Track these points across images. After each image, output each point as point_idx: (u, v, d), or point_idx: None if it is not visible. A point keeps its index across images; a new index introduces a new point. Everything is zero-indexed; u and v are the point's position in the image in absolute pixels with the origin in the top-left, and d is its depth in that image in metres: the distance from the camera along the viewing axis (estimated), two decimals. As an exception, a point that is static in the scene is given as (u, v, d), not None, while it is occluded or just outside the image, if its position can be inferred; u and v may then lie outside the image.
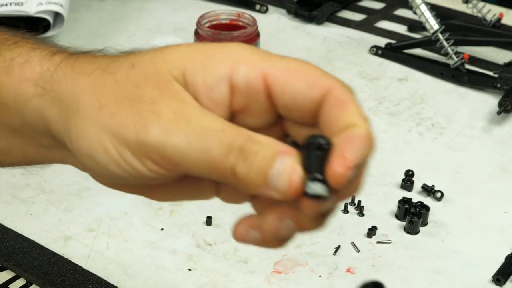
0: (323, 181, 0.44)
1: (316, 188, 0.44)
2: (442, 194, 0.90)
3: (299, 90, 0.47)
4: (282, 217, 0.48)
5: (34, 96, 0.51)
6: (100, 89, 0.49)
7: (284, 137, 0.50)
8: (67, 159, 0.54)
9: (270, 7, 1.34)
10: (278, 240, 0.48)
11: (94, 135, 0.48)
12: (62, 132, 0.50)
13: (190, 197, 0.55)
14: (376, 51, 1.19)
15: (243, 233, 0.50)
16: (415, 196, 0.91)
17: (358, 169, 0.45)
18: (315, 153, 0.45)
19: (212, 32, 1.07)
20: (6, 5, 1.13)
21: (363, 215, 0.87)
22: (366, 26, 1.29)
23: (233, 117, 0.49)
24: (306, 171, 0.45)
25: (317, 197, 0.44)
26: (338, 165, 0.44)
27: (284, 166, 0.45)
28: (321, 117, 0.47)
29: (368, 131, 0.46)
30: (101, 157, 0.48)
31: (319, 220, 0.48)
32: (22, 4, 1.13)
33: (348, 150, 0.44)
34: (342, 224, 0.86)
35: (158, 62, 0.49)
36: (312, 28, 1.28)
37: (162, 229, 0.85)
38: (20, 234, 0.83)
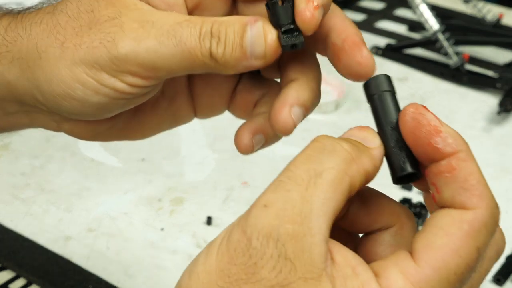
0: (296, 30, 0.45)
1: (291, 38, 0.45)
2: (442, 194, 0.90)
3: None
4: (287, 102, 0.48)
5: None
6: (55, 28, 0.49)
7: None
8: (36, 121, 0.54)
9: (270, 7, 1.34)
10: (285, 133, 0.49)
11: (65, 72, 0.48)
12: (29, 87, 0.50)
13: (168, 123, 0.56)
14: (376, 51, 1.19)
15: (250, 141, 0.51)
16: (415, 196, 0.91)
17: (325, 10, 0.46)
18: (279, 7, 0.46)
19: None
20: (6, 5, 1.13)
21: (363, 215, 0.87)
22: (366, 26, 1.29)
23: (190, 14, 0.50)
24: (277, 28, 0.46)
25: (294, 46, 0.45)
26: (305, 9, 0.45)
27: (256, 31, 0.46)
28: None
29: None
30: (78, 91, 0.48)
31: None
32: (22, 4, 1.13)
33: None
34: (342, 224, 0.86)
35: None
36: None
37: (162, 229, 0.85)
38: (20, 234, 0.83)
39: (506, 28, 1.25)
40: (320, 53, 0.50)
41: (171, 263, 0.81)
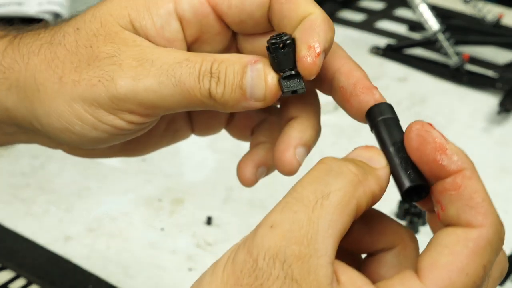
0: (297, 75, 0.45)
1: (292, 83, 0.45)
2: (442, 194, 0.90)
3: None
4: (291, 142, 0.48)
5: None
6: (53, 62, 0.48)
7: None
8: (35, 140, 0.54)
9: (270, 7, 1.33)
10: (290, 173, 0.49)
11: (63, 107, 0.48)
12: (27, 115, 0.50)
13: (168, 141, 0.56)
14: (376, 51, 1.19)
15: (253, 175, 0.52)
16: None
17: (326, 54, 0.46)
18: (281, 52, 0.45)
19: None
20: (6, 5, 1.13)
21: (363, 215, 0.87)
22: (366, 26, 1.29)
23: (189, 49, 0.49)
24: (278, 71, 0.46)
25: (295, 92, 0.45)
26: (306, 56, 0.45)
27: (256, 73, 0.46)
28: (274, 18, 0.47)
29: (323, 15, 0.46)
30: (77, 126, 0.48)
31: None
32: (22, 4, 1.13)
33: (311, 38, 0.45)
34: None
35: (102, 16, 0.48)
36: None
37: (162, 229, 0.85)
38: (20, 234, 0.83)
39: (506, 28, 1.25)
40: (324, 93, 0.50)
41: (171, 263, 0.81)
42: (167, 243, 0.83)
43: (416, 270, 0.40)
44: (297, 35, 0.45)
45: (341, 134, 0.95)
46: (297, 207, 0.39)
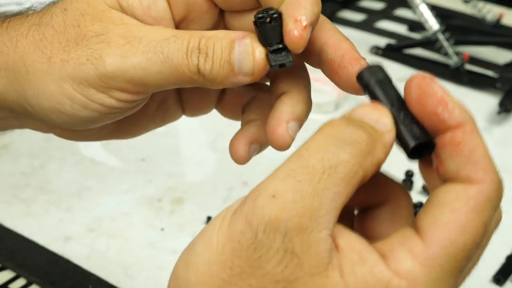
0: (285, 49, 0.46)
1: (280, 57, 0.46)
2: (442, 194, 0.90)
3: None
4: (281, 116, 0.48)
5: None
6: (41, 42, 0.48)
7: None
8: (26, 124, 0.54)
9: (270, 7, 1.33)
10: (284, 148, 0.49)
11: (52, 87, 0.48)
12: (17, 98, 0.50)
13: (159, 122, 0.56)
14: (376, 51, 1.19)
15: (245, 152, 0.51)
16: (415, 196, 0.91)
17: (313, 27, 0.46)
18: (268, 26, 0.46)
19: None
20: (6, 5, 1.13)
21: (363, 215, 0.87)
22: (366, 26, 1.29)
23: (177, 28, 0.49)
24: (265, 46, 0.46)
25: (282, 66, 0.46)
26: (293, 29, 0.45)
27: (244, 48, 0.46)
28: None
29: None
30: (67, 106, 0.48)
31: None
32: (22, 4, 1.13)
33: (297, 12, 0.45)
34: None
35: None
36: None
37: (162, 229, 0.85)
38: (20, 234, 0.83)
39: (506, 28, 1.25)
40: (313, 66, 0.49)
41: (171, 263, 0.80)
42: (167, 243, 0.83)
43: (415, 228, 0.39)
44: (283, 9, 0.46)
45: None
46: (302, 176, 0.37)
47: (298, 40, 0.45)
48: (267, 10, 0.46)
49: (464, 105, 0.40)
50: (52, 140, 0.99)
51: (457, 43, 1.14)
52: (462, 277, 0.40)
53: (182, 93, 0.55)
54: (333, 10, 1.31)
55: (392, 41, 1.22)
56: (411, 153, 0.42)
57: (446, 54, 1.12)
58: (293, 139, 0.48)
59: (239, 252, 0.37)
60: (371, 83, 0.43)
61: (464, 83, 1.12)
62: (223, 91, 0.55)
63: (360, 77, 0.44)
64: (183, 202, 0.89)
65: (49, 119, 0.49)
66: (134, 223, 0.86)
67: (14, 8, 1.02)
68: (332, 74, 0.48)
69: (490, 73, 1.13)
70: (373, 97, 0.43)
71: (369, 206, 0.44)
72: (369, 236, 0.42)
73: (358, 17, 1.32)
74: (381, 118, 0.41)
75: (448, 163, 0.40)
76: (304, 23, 0.45)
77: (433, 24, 1.13)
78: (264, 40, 0.46)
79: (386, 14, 1.33)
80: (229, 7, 0.50)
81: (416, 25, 1.26)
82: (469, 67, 1.14)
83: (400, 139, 0.42)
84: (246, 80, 0.47)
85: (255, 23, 0.46)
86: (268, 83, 0.52)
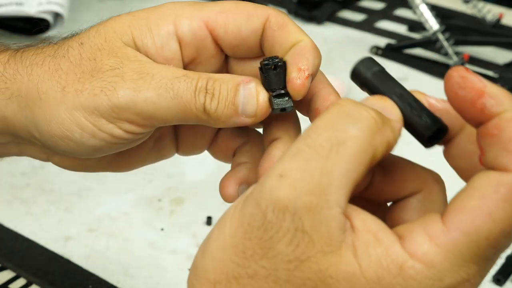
0: (286, 95, 0.49)
1: (282, 102, 0.49)
2: (442, 194, 0.90)
3: (239, 25, 0.50)
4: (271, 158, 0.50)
5: None
6: (56, 72, 0.50)
7: None
8: (26, 152, 0.56)
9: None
10: None
11: (64, 115, 0.49)
12: (26, 124, 0.51)
13: (153, 158, 0.58)
14: (376, 51, 1.19)
15: (235, 191, 0.54)
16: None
17: (313, 77, 0.49)
18: (272, 72, 0.49)
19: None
20: (6, 5, 1.13)
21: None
22: (366, 26, 1.29)
23: (185, 69, 0.52)
24: (268, 90, 0.49)
25: (284, 110, 0.49)
26: (296, 77, 0.48)
27: (249, 91, 0.49)
28: (266, 44, 0.51)
29: (312, 43, 0.50)
30: (76, 134, 0.50)
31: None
32: (22, 4, 1.13)
33: (301, 62, 0.48)
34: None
35: (106, 32, 0.51)
36: (312, 28, 1.28)
37: (162, 229, 0.85)
38: (20, 234, 0.83)
39: (506, 28, 1.25)
40: (302, 113, 0.52)
41: (171, 263, 0.81)
42: (167, 243, 0.83)
43: (443, 213, 0.39)
44: (288, 58, 0.49)
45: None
46: (309, 155, 0.37)
47: (300, 88, 0.48)
48: (272, 58, 0.49)
49: (504, 91, 0.40)
50: (52, 140, 0.99)
51: (457, 43, 1.14)
52: (489, 265, 0.39)
53: (178, 133, 0.58)
54: (333, 10, 1.31)
55: (392, 41, 1.22)
56: (428, 142, 0.42)
57: (446, 54, 1.12)
58: None
59: (250, 235, 0.37)
60: (369, 78, 0.44)
61: (464, 83, 1.12)
62: (216, 134, 0.57)
63: (355, 74, 0.45)
64: (183, 202, 0.89)
65: (56, 145, 0.51)
66: (134, 223, 0.86)
67: (14, 8, 1.01)
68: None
69: (490, 73, 1.13)
70: (374, 91, 0.44)
71: (401, 197, 0.44)
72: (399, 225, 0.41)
73: (358, 17, 1.32)
74: (388, 107, 0.42)
75: (487, 151, 0.39)
76: (307, 73, 0.48)
77: (433, 24, 1.13)
78: (267, 85, 0.49)
79: (386, 14, 1.33)
80: (235, 54, 0.52)
81: (416, 25, 1.26)
82: (469, 67, 1.14)
83: (413, 130, 0.42)
84: (248, 121, 0.49)
85: (260, 69, 0.49)
86: (260, 130, 0.55)
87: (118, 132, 0.50)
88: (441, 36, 1.12)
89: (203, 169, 0.95)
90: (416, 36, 1.26)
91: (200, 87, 0.49)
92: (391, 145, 0.40)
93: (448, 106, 0.43)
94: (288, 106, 0.49)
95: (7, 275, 0.79)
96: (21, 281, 0.78)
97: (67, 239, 0.83)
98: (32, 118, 0.51)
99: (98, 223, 0.85)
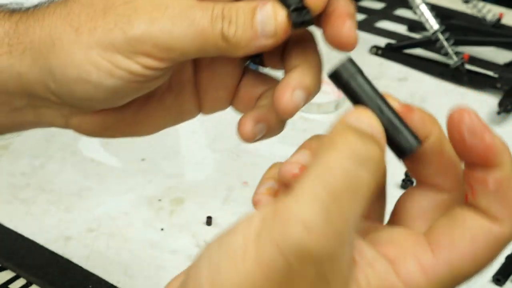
0: (304, 8, 0.48)
1: (301, 16, 0.48)
2: (442, 194, 0.90)
3: None
4: (288, 86, 0.49)
5: (1, 55, 0.51)
6: (68, 16, 0.50)
7: None
8: (43, 117, 0.54)
9: (270, 7, 1.33)
10: (287, 115, 0.50)
11: (79, 56, 0.49)
12: (41, 75, 0.50)
13: (174, 118, 0.56)
14: (376, 51, 1.19)
15: (252, 130, 0.52)
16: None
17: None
18: None
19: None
20: (6, 5, 1.13)
21: (363, 215, 0.87)
22: (366, 26, 1.29)
23: None
24: (286, 7, 0.48)
25: (304, 23, 0.48)
26: None
27: (266, 11, 0.48)
28: None
29: None
30: (93, 74, 0.49)
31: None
32: (22, 4, 1.13)
33: None
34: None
35: None
36: (312, 28, 1.28)
37: (162, 229, 0.85)
38: (20, 234, 0.83)
39: (506, 28, 1.25)
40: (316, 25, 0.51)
41: (171, 263, 0.81)
42: (167, 243, 0.83)
43: (430, 238, 0.41)
44: None
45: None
46: (329, 202, 0.37)
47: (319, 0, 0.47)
48: None
49: (507, 146, 0.42)
50: (52, 140, 0.99)
51: (457, 43, 1.14)
52: None
53: (199, 85, 0.56)
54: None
55: (392, 41, 1.22)
56: (403, 157, 0.43)
57: (446, 54, 1.12)
58: (297, 108, 0.50)
59: (270, 277, 0.37)
60: (350, 84, 0.44)
61: (464, 83, 1.12)
62: (239, 84, 0.55)
63: (335, 76, 0.44)
64: (183, 202, 0.89)
65: (72, 92, 0.50)
66: (134, 223, 0.86)
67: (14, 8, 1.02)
68: (321, 27, 0.50)
69: (490, 73, 1.13)
70: (354, 99, 0.44)
71: (432, 183, 0.45)
72: (402, 214, 0.44)
73: (358, 17, 1.32)
74: (374, 125, 0.41)
75: (480, 197, 0.41)
76: None
77: (433, 24, 1.13)
78: (285, 2, 0.48)
79: (386, 14, 1.33)
80: None
81: (416, 25, 1.26)
82: (469, 67, 1.14)
83: (391, 143, 0.43)
84: (269, 42, 0.48)
85: None
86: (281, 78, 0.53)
87: (135, 67, 0.49)
88: (441, 36, 1.12)
89: (203, 169, 0.95)
90: (416, 36, 1.26)
91: (216, 14, 0.48)
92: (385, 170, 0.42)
93: (416, 115, 0.45)
94: (309, 18, 0.48)
95: (7, 275, 0.79)
96: (21, 281, 0.78)
97: (67, 239, 0.83)
98: (47, 67, 0.50)
99: (98, 223, 0.85)
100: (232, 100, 0.56)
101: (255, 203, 0.46)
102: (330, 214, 0.37)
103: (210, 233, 0.85)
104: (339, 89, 0.44)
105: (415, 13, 1.15)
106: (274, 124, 0.52)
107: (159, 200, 0.89)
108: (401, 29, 1.29)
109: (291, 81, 0.50)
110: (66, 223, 0.85)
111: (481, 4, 1.24)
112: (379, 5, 1.36)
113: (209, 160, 0.97)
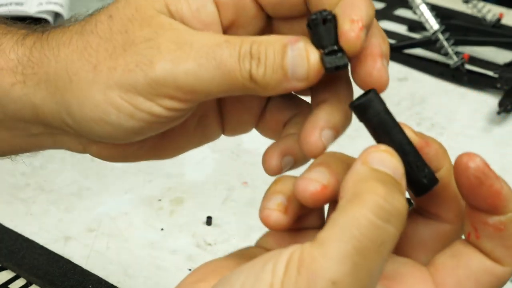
0: (340, 51, 0.44)
1: (335, 59, 0.44)
2: (442, 194, 0.90)
3: None
4: (316, 125, 0.47)
5: (15, 84, 0.49)
6: (86, 50, 0.47)
7: None
8: (60, 143, 0.52)
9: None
10: (314, 156, 0.47)
11: (98, 96, 0.46)
12: (57, 110, 0.48)
13: (197, 141, 0.54)
14: (376, 51, 1.19)
15: (279, 164, 0.49)
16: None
17: (367, 30, 0.45)
18: (322, 27, 0.44)
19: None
20: (6, 5, 1.13)
21: (363, 215, 0.87)
22: (366, 26, 1.29)
23: (225, 33, 0.48)
24: (319, 48, 0.44)
25: (338, 68, 0.44)
26: (349, 30, 0.43)
27: (298, 51, 0.44)
28: (311, 1, 0.46)
29: None
30: (113, 116, 0.46)
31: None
32: (22, 4, 1.13)
33: (353, 13, 0.44)
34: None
35: (137, 1, 0.46)
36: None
37: (162, 229, 0.85)
38: (20, 234, 0.83)
39: (506, 28, 1.25)
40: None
41: (171, 263, 0.81)
42: (167, 243, 0.83)
43: (432, 270, 0.42)
44: (338, 11, 0.44)
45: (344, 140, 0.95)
46: (357, 258, 0.37)
47: (356, 41, 0.44)
48: (320, 12, 0.44)
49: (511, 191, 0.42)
50: (52, 140, 0.99)
51: (457, 43, 1.14)
52: None
53: (223, 109, 0.54)
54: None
55: (392, 41, 1.22)
56: (420, 195, 0.43)
57: (446, 54, 1.12)
58: (325, 147, 0.47)
59: None
60: (373, 119, 0.43)
61: (464, 83, 1.12)
62: (264, 108, 0.53)
63: (358, 109, 0.43)
64: (183, 202, 0.89)
65: (91, 131, 0.48)
66: (134, 223, 0.86)
67: (14, 8, 1.01)
68: (351, 67, 0.47)
69: (490, 73, 1.13)
70: (376, 134, 0.43)
71: (434, 215, 0.46)
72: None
73: (358, 17, 1.32)
74: (397, 166, 0.41)
75: (484, 240, 0.42)
76: (361, 24, 0.44)
77: (433, 24, 1.12)
78: (317, 42, 0.45)
79: (386, 14, 1.33)
80: (277, 13, 0.48)
81: (416, 25, 1.26)
82: (469, 67, 1.14)
83: (410, 181, 0.42)
84: (300, 85, 0.45)
85: (308, 25, 0.45)
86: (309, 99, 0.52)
87: (158, 110, 0.46)
88: (441, 36, 1.12)
89: (203, 169, 0.95)
90: (416, 36, 1.26)
91: (244, 53, 0.44)
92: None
93: (432, 149, 0.45)
94: (343, 63, 0.44)
95: (7, 275, 0.79)
96: (21, 281, 0.78)
97: (67, 239, 0.83)
98: (63, 103, 0.47)
99: (98, 223, 0.85)
100: (257, 123, 0.54)
101: (265, 218, 0.45)
102: (358, 272, 0.37)
103: (210, 233, 0.85)
104: (361, 121, 0.44)
105: (415, 13, 1.15)
106: (302, 158, 0.50)
107: (159, 200, 0.89)
108: (401, 29, 1.29)
109: (319, 120, 0.47)
110: (66, 223, 0.85)
111: (481, 4, 1.24)
112: (379, 5, 1.36)
113: (209, 160, 0.97)
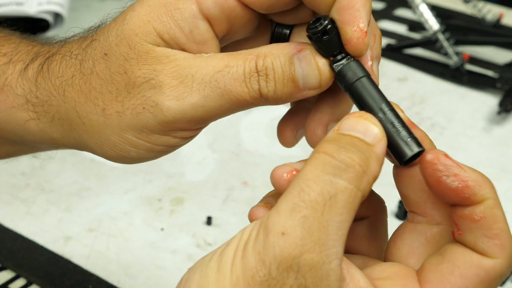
0: (348, 56, 0.44)
1: (343, 64, 0.44)
2: (442, 194, 0.90)
3: None
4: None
5: (29, 121, 0.50)
6: (90, 93, 0.47)
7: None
8: (75, 147, 0.53)
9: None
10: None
11: (114, 138, 0.48)
12: (77, 144, 0.50)
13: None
14: (376, 51, 1.19)
15: (292, 136, 0.50)
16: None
17: (370, 27, 0.45)
18: (324, 39, 0.44)
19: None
20: (6, 5, 1.13)
21: (363, 215, 0.87)
22: (366, 26, 1.29)
23: (221, 41, 0.48)
24: (325, 56, 0.45)
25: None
26: (353, 38, 0.43)
27: (305, 61, 0.45)
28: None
29: None
30: (132, 153, 0.48)
31: None
32: (22, 4, 1.13)
33: (354, 18, 0.43)
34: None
35: (128, 38, 0.46)
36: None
37: (162, 229, 0.85)
38: (20, 234, 0.83)
39: (506, 28, 1.25)
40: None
41: (171, 263, 0.81)
42: (167, 243, 0.83)
43: (419, 275, 0.41)
44: (336, 16, 0.44)
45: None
46: (306, 210, 0.38)
47: (361, 47, 0.44)
48: (319, 20, 0.44)
49: (484, 177, 0.41)
50: (52, 140, 0.99)
51: (457, 43, 1.14)
52: None
53: None
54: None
55: (392, 41, 1.22)
56: (405, 162, 0.42)
57: (446, 54, 1.12)
58: None
59: (253, 287, 0.38)
60: (355, 86, 0.43)
61: (464, 83, 1.12)
62: None
63: (340, 76, 0.44)
64: (183, 202, 0.89)
65: (114, 161, 0.50)
66: (134, 223, 0.86)
67: (14, 8, 1.01)
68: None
69: (490, 73, 1.13)
70: (358, 100, 0.43)
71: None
72: (348, 249, 0.43)
73: (358, 17, 1.32)
74: (369, 129, 0.41)
75: (466, 233, 0.41)
76: (365, 29, 0.44)
77: (433, 24, 1.12)
78: (323, 52, 0.45)
79: (386, 14, 1.33)
80: (271, 11, 0.48)
81: (416, 25, 1.26)
82: (469, 67, 1.14)
83: (393, 150, 0.42)
84: (312, 93, 0.45)
85: (309, 37, 0.44)
86: None
87: (174, 141, 0.48)
88: (441, 36, 1.12)
89: (203, 169, 0.95)
90: (416, 36, 1.26)
91: (249, 72, 0.44)
92: (376, 177, 0.41)
93: (418, 133, 0.44)
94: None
95: (7, 275, 0.79)
96: (21, 281, 0.78)
97: (67, 239, 0.83)
98: (82, 141, 0.49)
99: (98, 223, 0.85)
100: None
101: (250, 215, 0.45)
102: (309, 224, 0.37)
103: (210, 233, 0.85)
104: (344, 90, 0.44)
105: (415, 13, 1.15)
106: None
107: (159, 200, 0.89)
108: (401, 29, 1.29)
109: (323, 116, 0.47)
110: (66, 223, 0.85)
111: (481, 4, 1.24)
112: (379, 5, 1.36)
113: (209, 160, 0.97)
